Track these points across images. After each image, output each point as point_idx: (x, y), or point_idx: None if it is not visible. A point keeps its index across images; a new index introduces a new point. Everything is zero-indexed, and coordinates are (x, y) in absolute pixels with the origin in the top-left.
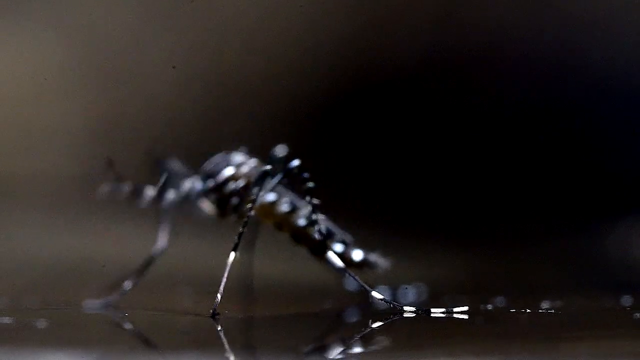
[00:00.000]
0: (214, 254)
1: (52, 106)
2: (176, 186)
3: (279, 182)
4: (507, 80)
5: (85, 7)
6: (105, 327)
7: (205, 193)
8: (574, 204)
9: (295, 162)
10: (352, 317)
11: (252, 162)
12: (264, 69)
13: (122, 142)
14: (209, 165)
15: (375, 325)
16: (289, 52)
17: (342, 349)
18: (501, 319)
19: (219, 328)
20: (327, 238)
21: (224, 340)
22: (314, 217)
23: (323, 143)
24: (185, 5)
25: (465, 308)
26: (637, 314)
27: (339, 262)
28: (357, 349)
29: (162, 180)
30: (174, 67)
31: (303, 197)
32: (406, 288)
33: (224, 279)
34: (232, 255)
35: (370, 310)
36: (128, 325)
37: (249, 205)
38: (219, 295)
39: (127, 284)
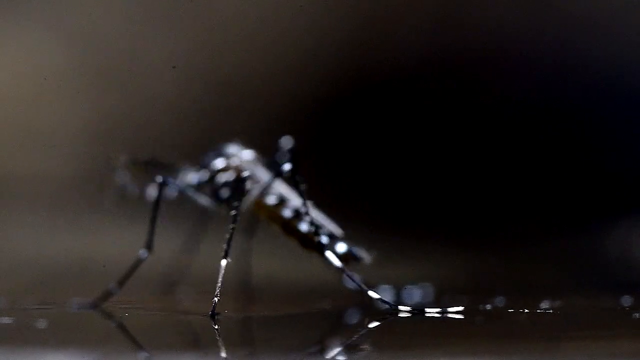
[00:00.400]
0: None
1: (52, 106)
2: (173, 181)
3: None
4: (507, 81)
5: (85, 7)
6: (105, 327)
7: (199, 185)
8: (574, 204)
9: (287, 167)
10: (352, 317)
11: (245, 155)
12: (264, 68)
13: (122, 142)
14: (202, 158)
15: (375, 325)
16: (289, 52)
17: (341, 349)
18: (501, 319)
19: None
20: (314, 230)
21: (224, 340)
22: (302, 209)
23: (323, 143)
24: (185, 5)
25: (461, 308)
26: (637, 314)
27: (336, 261)
28: (357, 349)
29: (158, 178)
30: (174, 67)
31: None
32: (409, 288)
33: (220, 282)
34: (224, 262)
35: (369, 310)
36: (128, 325)
37: (237, 203)
38: (215, 298)
39: (114, 286)
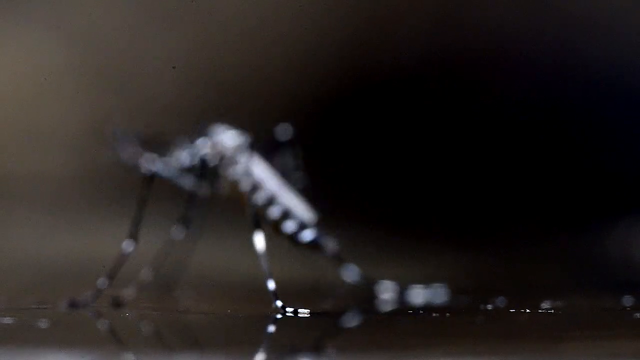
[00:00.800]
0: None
1: (52, 106)
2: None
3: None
4: (507, 81)
5: (85, 7)
6: (105, 327)
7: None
8: (574, 204)
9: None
10: (352, 316)
11: (229, 137)
12: (264, 68)
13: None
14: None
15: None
16: (289, 52)
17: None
18: (502, 319)
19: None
20: (281, 217)
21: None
22: (275, 195)
23: (323, 143)
24: (185, 5)
25: (307, 311)
26: (638, 314)
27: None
28: (357, 349)
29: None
30: (174, 67)
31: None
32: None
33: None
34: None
35: (370, 310)
36: (128, 325)
37: (209, 186)
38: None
39: (102, 283)
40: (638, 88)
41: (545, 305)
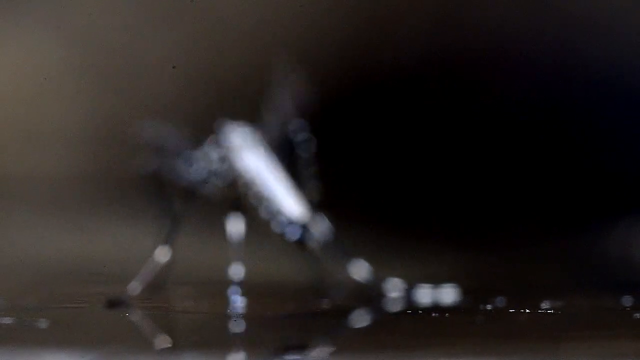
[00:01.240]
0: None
1: (52, 106)
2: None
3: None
4: (507, 81)
5: (85, 7)
6: (105, 327)
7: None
8: (574, 204)
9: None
10: (352, 316)
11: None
12: (263, 69)
13: (122, 142)
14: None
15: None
16: (289, 52)
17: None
18: (501, 319)
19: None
20: (270, 216)
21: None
22: (264, 195)
23: (324, 142)
24: (185, 5)
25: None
26: (638, 314)
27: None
28: (357, 348)
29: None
30: (174, 67)
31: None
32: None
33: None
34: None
35: (371, 309)
36: (128, 325)
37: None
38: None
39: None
40: (638, 88)
41: (545, 305)
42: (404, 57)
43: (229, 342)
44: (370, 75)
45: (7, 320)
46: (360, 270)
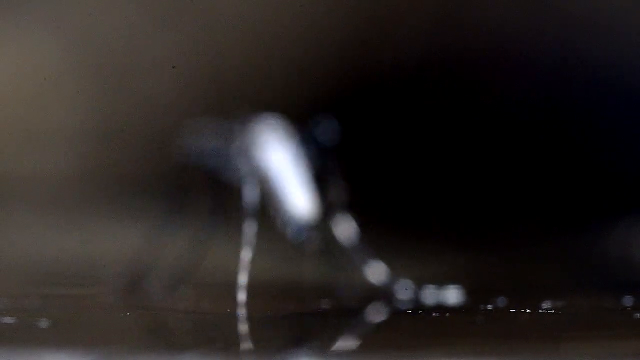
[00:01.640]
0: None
1: (52, 106)
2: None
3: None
4: (507, 81)
5: (85, 7)
6: (105, 327)
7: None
8: (574, 204)
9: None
10: (353, 316)
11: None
12: (263, 69)
13: (122, 142)
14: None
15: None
16: (289, 52)
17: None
18: (502, 319)
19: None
20: (277, 212)
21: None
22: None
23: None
24: (185, 5)
25: None
26: (638, 314)
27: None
28: (358, 348)
29: None
30: (174, 67)
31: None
32: (406, 289)
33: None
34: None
35: (371, 309)
36: (128, 325)
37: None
38: None
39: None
40: (638, 88)
41: (546, 305)
42: (404, 57)
43: (229, 342)
44: (370, 75)
45: (8, 320)
46: (375, 271)
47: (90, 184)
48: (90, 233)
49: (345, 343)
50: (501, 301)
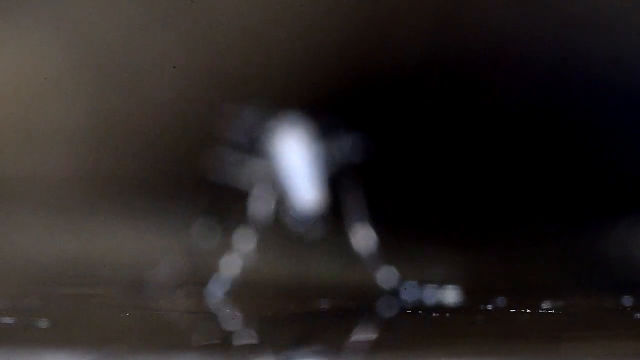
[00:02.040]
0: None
1: (52, 106)
2: None
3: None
4: (507, 81)
5: (85, 7)
6: (105, 327)
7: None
8: (574, 204)
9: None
10: (353, 316)
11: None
12: (264, 69)
13: (122, 142)
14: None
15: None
16: (289, 52)
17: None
18: (502, 319)
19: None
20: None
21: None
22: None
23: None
24: (185, 5)
25: None
26: (638, 314)
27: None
28: (358, 348)
29: None
30: (174, 67)
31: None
32: (405, 289)
33: None
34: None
35: (371, 309)
36: (128, 325)
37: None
38: None
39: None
40: (638, 88)
41: (546, 305)
42: (404, 57)
43: (229, 342)
44: (370, 75)
45: (8, 320)
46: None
47: (90, 184)
48: (90, 233)
49: (346, 343)
50: (501, 301)
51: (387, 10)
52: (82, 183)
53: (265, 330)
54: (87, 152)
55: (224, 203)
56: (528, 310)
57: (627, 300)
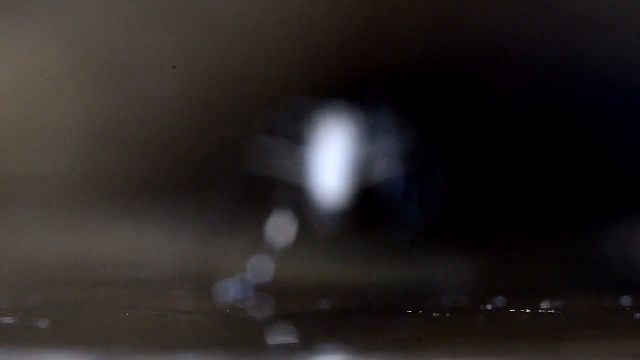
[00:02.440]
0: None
1: (52, 106)
2: None
3: None
4: (507, 81)
5: (85, 7)
6: (105, 327)
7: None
8: (574, 204)
9: None
10: (353, 316)
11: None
12: (264, 69)
13: (122, 142)
14: None
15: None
16: (289, 52)
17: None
18: (501, 319)
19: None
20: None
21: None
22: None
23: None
24: (186, 5)
25: None
26: (638, 314)
27: None
28: (358, 348)
29: None
30: (174, 67)
31: None
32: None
33: None
34: None
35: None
36: (128, 325)
37: None
38: None
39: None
40: (638, 88)
41: (545, 305)
42: (404, 57)
43: (229, 342)
44: (370, 75)
45: (8, 320)
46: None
47: (90, 184)
48: (90, 233)
49: (345, 343)
50: (501, 301)
51: (387, 10)
52: (82, 183)
53: (265, 331)
54: (87, 152)
55: (224, 203)
56: (528, 310)
57: (626, 300)
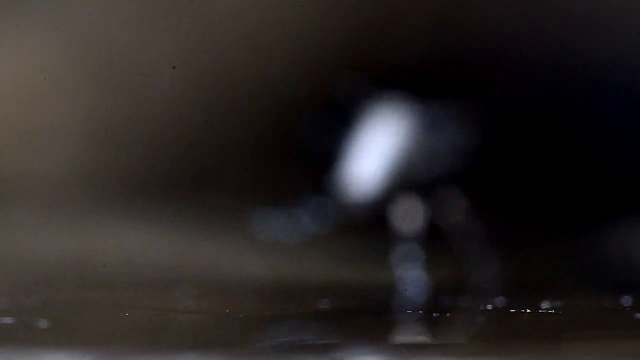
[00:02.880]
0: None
1: (52, 106)
2: None
3: None
4: (507, 81)
5: (85, 7)
6: (105, 327)
7: None
8: (574, 204)
9: None
10: (352, 316)
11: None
12: (263, 69)
13: (122, 141)
14: None
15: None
16: (289, 52)
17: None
18: (502, 319)
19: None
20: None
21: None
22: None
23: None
24: (185, 5)
25: None
26: (638, 314)
27: None
28: (358, 348)
29: None
30: (174, 67)
31: None
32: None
33: None
34: None
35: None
36: (128, 325)
37: None
38: None
39: None
40: (638, 88)
41: (546, 305)
42: (404, 57)
43: (229, 342)
44: (370, 75)
45: (8, 320)
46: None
47: (90, 184)
48: (90, 233)
49: (345, 343)
50: (501, 301)
51: (387, 10)
52: (82, 183)
53: (265, 331)
54: (87, 152)
55: (223, 203)
56: (528, 310)
57: (627, 300)
